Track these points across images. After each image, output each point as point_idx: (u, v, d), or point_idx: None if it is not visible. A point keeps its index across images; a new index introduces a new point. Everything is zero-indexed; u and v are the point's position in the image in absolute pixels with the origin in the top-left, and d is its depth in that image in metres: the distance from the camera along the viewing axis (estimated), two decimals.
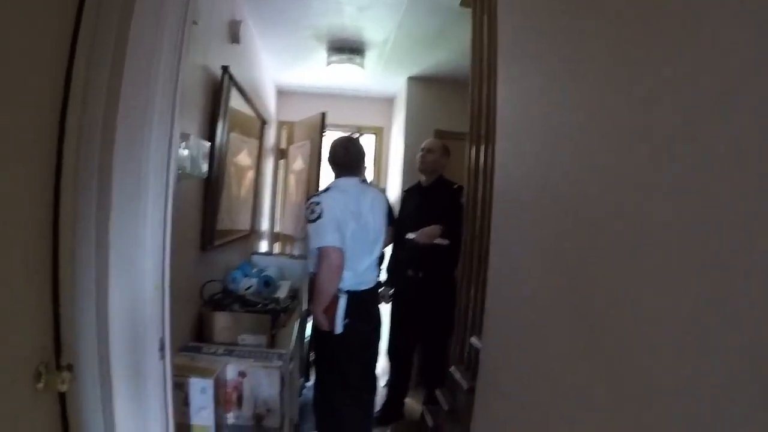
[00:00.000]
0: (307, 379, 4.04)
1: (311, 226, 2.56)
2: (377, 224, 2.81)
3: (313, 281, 2.73)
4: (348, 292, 2.65)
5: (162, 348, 1.50)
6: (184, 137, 1.89)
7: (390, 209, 3.07)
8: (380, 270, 3.09)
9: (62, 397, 1.37)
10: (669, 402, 0.66)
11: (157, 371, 1.50)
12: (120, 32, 1.40)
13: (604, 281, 0.87)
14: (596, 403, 0.86)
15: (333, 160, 2.85)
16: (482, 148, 1.97)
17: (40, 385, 1.21)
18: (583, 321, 0.93)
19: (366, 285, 2.77)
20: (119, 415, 1.49)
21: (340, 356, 2.72)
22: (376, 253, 2.85)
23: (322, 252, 2.53)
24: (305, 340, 3.75)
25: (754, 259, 0.54)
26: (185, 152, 1.91)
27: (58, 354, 1.33)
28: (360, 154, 2.88)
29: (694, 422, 0.62)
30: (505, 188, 1.51)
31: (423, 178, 3.70)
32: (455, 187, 3.44)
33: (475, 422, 1.60)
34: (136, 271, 1.45)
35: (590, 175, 0.95)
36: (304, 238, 2.87)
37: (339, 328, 2.62)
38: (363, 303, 2.73)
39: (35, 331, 1.25)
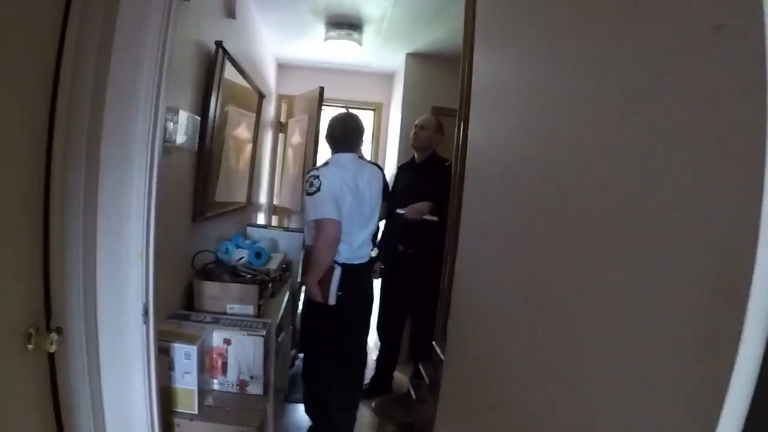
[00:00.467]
0: (300, 351, 4.13)
1: (309, 199, 2.60)
2: (373, 200, 2.85)
3: (308, 253, 2.79)
4: (342, 265, 2.71)
5: (146, 313, 1.57)
6: (173, 111, 1.94)
7: (386, 185, 3.11)
8: (374, 245, 3.16)
9: (51, 358, 1.44)
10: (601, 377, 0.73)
11: (141, 335, 1.58)
12: (108, 9, 1.45)
13: (551, 259, 0.93)
14: (540, 367, 0.93)
15: (331, 136, 2.88)
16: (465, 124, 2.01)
17: (31, 346, 1.29)
18: (531, 298, 1.00)
19: (360, 259, 2.81)
20: (105, 376, 1.58)
21: (331, 328, 2.78)
22: (371, 228, 2.90)
23: (319, 224, 2.58)
24: (298, 312, 3.83)
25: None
26: (175, 126, 1.96)
27: (48, 317, 1.41)
28: (357, 130, 2.89)
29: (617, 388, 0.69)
30: (473, 164, 1.56)
31: (416, 154, 3.73)
32: (447, 164, 3.47)
33: (444, 390, 1.67)
34: (122, 239, 1.52)
35: (546, 151, 1.01)
36: (302, 211, 2.91)
37: (332, 300, 2.68)
38: (356, 276, 2.79)
39: (26, 295, 1.33)
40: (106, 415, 1.61)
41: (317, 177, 2.60)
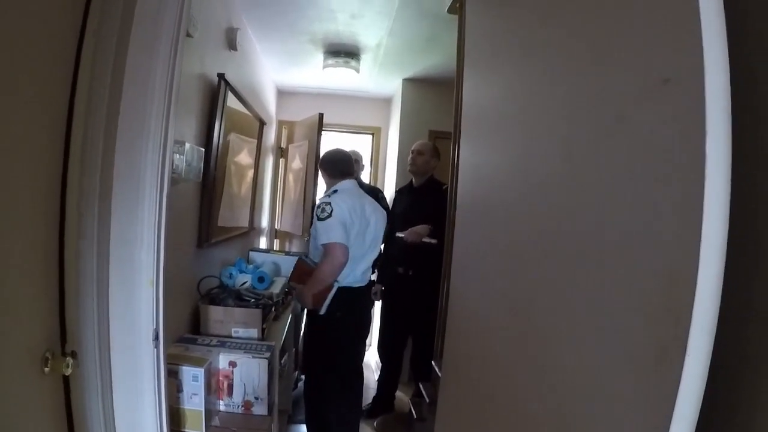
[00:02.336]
0: (302, 373, 4.18)
1: (321, 224, 2.74)
2: (378, 227, 3.03)
3: (302, 264, 2.94)
4: (342, 287, 2.84)
5: (156, 338, 1.65)
6: (179, 143, 2.04)
7: (387, 209, 3.30)
8: (374, 268, 3.31)
9: (66, 381, 1.51)
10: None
11: (151, 359, 1.65)
12: (118, 54, 1.55)
13: (531, 278, 1.02)
14: (521, 367, 1.01)
15: (329, 167, 3.09)
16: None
17: (47, 369, 1.36)
18: (516, 319, 1.08)
19: (360, 283, 2.96)
20: (117, 398, 1.65)
21: (330, 347, 2.92)
22: (375, 254, 3.07)
23: (327, 248, 2.72)
24: (300, 335, 3.89)
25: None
26: (181, 158, 2.06)
27: (63, 342, 1.48)
28: (349, 158, 3.15)
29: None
30: (464, 186, 1.65)
31: (414, 178, 3.83)
32: (444, 187, 3.57)
33: (440, 405, 1.74)
34: (133, 268, 1.60)
35: (522, 178, 1.10)
36: (311, 234, 3.02)
37: (323, 310, 2.81)
38: (354, 298, 2.93)
39: (42, 321, 1.40)
40: None
41: (329, 204, 2.75)
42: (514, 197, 1.15)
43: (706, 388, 0.57)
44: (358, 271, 2.92)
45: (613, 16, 0.77)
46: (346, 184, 2.98)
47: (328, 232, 2.71)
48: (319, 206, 2.79)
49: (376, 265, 3.29)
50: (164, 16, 1.64)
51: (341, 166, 3.06)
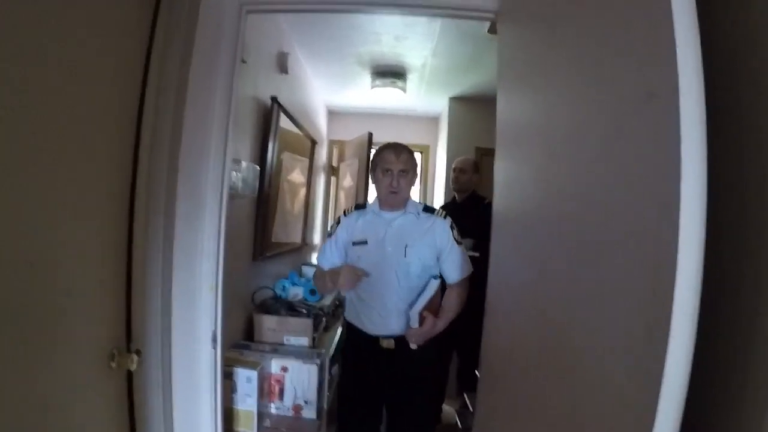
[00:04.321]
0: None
1: (461, 250, 2.25)
2: None
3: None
4: None
5: (214, 339, 1.79)
6: (237, 162, 2.20)
7: None
8: None
9: (129, 376, 1.67)
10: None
11: (209, 360, 1.80)
12: (182, 74, 1.72)
13: (551, 283, 1.10)
14: (547, 358, 1.09)
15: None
16: None
17: (114, 364, 1.52)
18: (539, 316, 1.16)
19: None
20: (176, 394, 1.80)
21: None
22: None
23: (467, 280, 2.25)
24: None
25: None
26: (238, 175, 2.22)
27: (128, 341, 1.64)
28: None
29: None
30: (498, 199, 1.74)
31: (457, 195, 3.90)
32: (486, 202, 3.63)
33: (478, 408, 1.82)
34: (195, 275, 1.76)
35: (546, 193, 1.18)
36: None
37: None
38: None
39: (112, 321, 1.56)
40: (175, 429, 1.81)
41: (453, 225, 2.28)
42: (538, 205, 1.24)
43: (697, 361, 0.65)
44: None
45: (611, 40, 0.87)
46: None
47: (468, 261, 2.26)
48: (452, 225, 2.26)
49: None
50: (221, 46, 1.81)
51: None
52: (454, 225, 2.25)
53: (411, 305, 2.14)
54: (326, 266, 2.29)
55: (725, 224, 0.76)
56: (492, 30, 2.70)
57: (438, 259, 2.22)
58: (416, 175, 2.34)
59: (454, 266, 2.21)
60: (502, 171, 1.69)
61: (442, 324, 2.18)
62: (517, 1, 1.56)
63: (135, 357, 1.59)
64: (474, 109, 4.74)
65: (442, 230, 2.22)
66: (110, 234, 1.53)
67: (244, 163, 2.30)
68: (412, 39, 3.31)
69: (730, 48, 0.83)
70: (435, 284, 2.16)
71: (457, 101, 4.80)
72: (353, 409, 2.24)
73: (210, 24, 1.78)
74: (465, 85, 4.34)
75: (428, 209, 2.32)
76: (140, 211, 1.63)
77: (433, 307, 2.17)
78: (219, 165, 1.76)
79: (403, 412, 2.24)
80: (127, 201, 1.61)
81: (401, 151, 2.24)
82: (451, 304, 2.22)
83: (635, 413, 0.71)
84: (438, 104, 5.10)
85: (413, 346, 2.15)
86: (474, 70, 3.85)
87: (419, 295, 2.15)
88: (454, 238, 2.23)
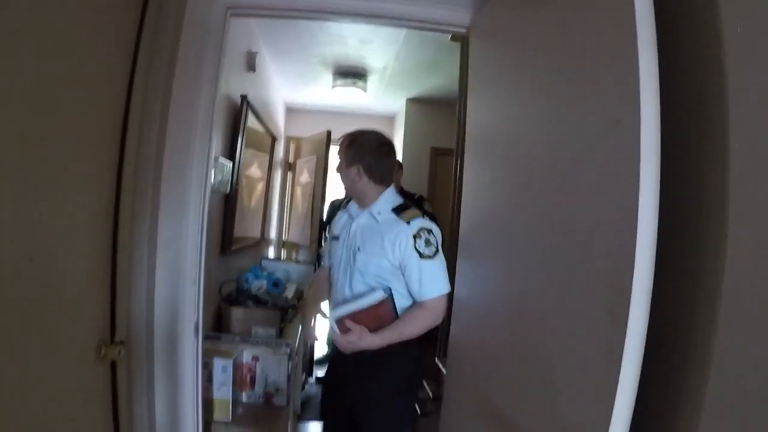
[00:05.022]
0: (309, 375, 4.41)
1: (427, 265, 1.87)
2: None
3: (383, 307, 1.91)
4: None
5: (196, 329, 1.87)
6: (215, 159, 2.28)
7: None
8: None
9: (113, 368, 1.72)
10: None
11: (192, 349, 1.88)
12: (169, 69, 1.80)
13: (520, 278, 1.25)
14: (517, 344, 1.24)
15: (376, 164, 2.02)
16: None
17: (101, 356, 1.58)
18: (510, 306, 1.31)
19: None
20: (158, 383, 1.87)
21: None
22: None
23: (435, 302, 1.89)
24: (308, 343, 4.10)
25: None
26: (215, 172, 2.30)
27: (113, 333, 1.70)
28: (393, 154, 2.18)
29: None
30: (467, 197, 1.88)
31: None
32: (416, 197, 3.76)
33: (445, 398, 1.96)
34: (178, 269, 1.83)
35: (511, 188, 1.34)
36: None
37: None
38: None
39: (97, 314, 1.62)
40: (157, 419, 1.88)
41: (431, 231, 1.91)
42: (511, 206, 1.39)
43: (653, 341, 0.81)
44: None
45: (580, 71, 1.03)
46: (392, 195, 2.06)
47: (438, 279, 1.89)
48: (418, 234, 1.87)
49: None
50: (207, 47, 1.89)
51: (389, 165, 2.09)
52: (424, 233, 1.87)
53: None
54: (326, 262, 2.14)
55: (675, 227, 0.92)
56: (455, 37, 2.86)
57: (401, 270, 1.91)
58: (348, 166, 2.01)
59: (413, 282, 1.89)
60: (471, 177, 1.83)
61: (377, 340, 1.85)
62: (489, 19, 1.71)
63: (121, 348, 1.66)
64: (430, 110, 4.91)
65: (403, 238, 1.87)
66: (97, 230, 1.59)
67: (220, 160, 2.38)
68: (376, 42, 3.44)
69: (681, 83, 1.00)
70: (377, 295, 1.87)
71: (415, 102, 4.97)
72: (323, 409, 2.23)
73: (196, 25, 1.85)
74: (423, 87, 4.50)
75: (400, 209, 1.97)
76: (126, 208, 1.69)
77: (380, 321, 1.89)
78: (203, 163, 1.83)
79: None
80: (113, 198, 1.67)
81: (340, 143, 2.08)
82: (399, 323, 1.90)
83: (602, 380, 0.86)
84: (396, 104, 5.24)
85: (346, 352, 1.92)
86: (434, 73, 4.01)
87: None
88: (417, 249, 1.86)
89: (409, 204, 2.05)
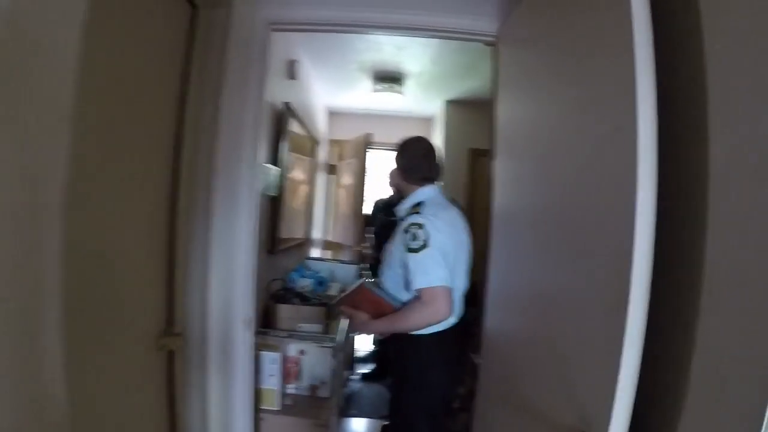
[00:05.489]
0: (353, 372, 4.54)
1: (411, 257, 1.93)
2: (468, 251, 2.17)
3: (365, 291, 2.06)
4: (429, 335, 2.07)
5: (248, 323, 2.02)
6: (263, 165, 2.43)
7: None
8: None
9: (170, 357, 1.88)
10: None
11: (244, 341, 2.03)
12: (217, 85, 1.95)
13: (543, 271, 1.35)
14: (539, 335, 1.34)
15: (409, 163, 2.21)
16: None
17: (160, 346, 1.75)
18: (537, 296, 1.41)
19: (454, 319, 2.10)
20: (212, 372, 2.02)
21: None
22: (464, 286, 2.16)
23: (426, 294, 1.92)
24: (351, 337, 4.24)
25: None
26: (264, 176, 2.45)
27: (171, 324, 1.87)
28: (432, 154, 2.25)
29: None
30: (499, 201, 1.97)
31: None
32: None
33: (481, 380, 2.06)
34: (230, 267, 1.99)
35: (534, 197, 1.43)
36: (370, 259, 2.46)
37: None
38: (442, 343, 2.10)
39: (156, 307, 1.80)
40: (210, 405, 2.05)
41: (422, 226, 1.94)
42: (533, 202, 1.49)
43: (653, 325, 0.90)
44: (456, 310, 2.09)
45: (592, 75, 1.12)
46: (431, 192, 2.16)
47: (426, 271, 1.91)
48: (406, 229, 1.97)
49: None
50: (251, 61, 2.04)
51: (425, 167, 2.19)
52: (413, 228, 1.94)
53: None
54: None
55: (669, 222, 1.00)
56: (488, 42, 2.94)
57: None
58: (394, 171, 2.28)
59: (407, 274, 1.97)
60: (500, 172, 1.93)
61: (379, 325, 2.05)
62: (513, 29, 1.80)
63: (178, 339, 1.82)
64: (468, 112, 4.97)
65: (399, 234, 2.02)
66: (156, 231, 1.76)
67: (267, 166, 2.53)
68: (412, 48, 3.54)
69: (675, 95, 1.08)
70: (357, 282, 2.05)
71: (453, 104, 5.04)
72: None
73: (241, 41, 2.01)
74: (460, 89, 4.58)
75: (414, 207, 2.08)
76: (182, 211, 1.85)
77: (378, 308, 2.04)
78: (251, 168, 1.99)
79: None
80: (171, 203, 1.83)
81: None
82: (397, 312, 2.01)
83: (607, 355, 0.95)
84: (434, 106, 5.34)
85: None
86: (470, 75, 4.08)
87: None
88: (405, 244, 1.95)
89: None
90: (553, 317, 1.27)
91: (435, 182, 2.19)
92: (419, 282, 1.91)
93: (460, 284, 2.09)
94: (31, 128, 0.82)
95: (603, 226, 1.02)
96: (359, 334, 2.10)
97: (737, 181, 0.83)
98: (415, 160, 2.18)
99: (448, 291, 1.91)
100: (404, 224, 1.99)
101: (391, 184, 2.41)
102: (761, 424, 0.72)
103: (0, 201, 0.77)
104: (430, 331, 2.03)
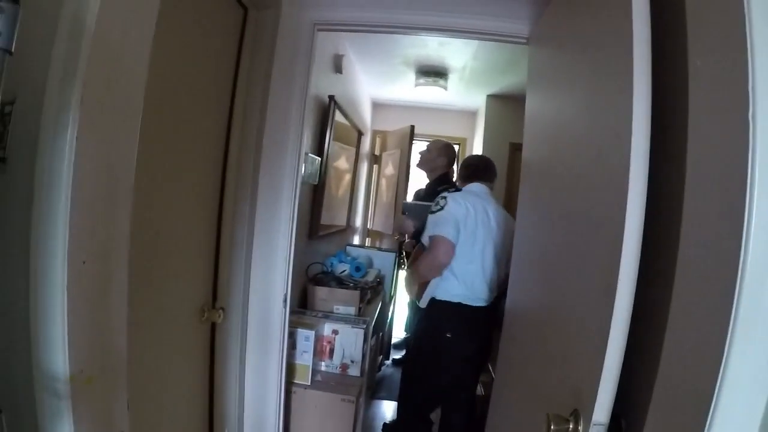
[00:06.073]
0: (386, 358, 4.70)
1: (431, 217, 2.54)
2: (506, 241, 2.51)
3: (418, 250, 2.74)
4: (457, 304, 2.53)
5: (285, 301, 2.19)
6: (305, 155, 2.59)
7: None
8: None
9: (213, 329, 2.08)
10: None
11: (280, 318, 2.21)
12: (263, 91, 2.13)
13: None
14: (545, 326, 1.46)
15: (465, 168, 2.88)
16: None
17: (204, 318, 1.94)
18: (548, 297, 1.52)
19: (479, 301, 2.55)
20: (250, 344, 2.21)
21: (422, 343, 2.73)
22: (498, 273, 2.59)
23: (432, 241, 2.48)
24: (387, 323, 4.39)
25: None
26: (305, 166, 2.62)
27: (214, 299, 2.06)
28: (491, 165, 2.88)
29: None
30: (524, 191, 2.09)
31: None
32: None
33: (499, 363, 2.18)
34: (271, 249, 2.16)
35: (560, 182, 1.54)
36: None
37: (423, 303, 2.63)
38: (470, 319, 2.55)
39: (203, 284, 1.98)
40: (247, 375, 2.24)
41: (445, 198, 2.54)
42: (545, 194, 1.61)
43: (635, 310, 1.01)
44: (473, 284, 2.52)
45: (600, 90, 1.23)
46: (474, 187, 2.70)
47: (437, 225, 2.48)
48: (436, 201, 2.57)
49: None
50: (297, 59, 2.19)
51: (473, 169, 2.80)
52: (439, 199, 2.56)
53: None
54: None
55: (657, 219, 1.10)
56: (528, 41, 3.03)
57: None
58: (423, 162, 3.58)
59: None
60: (527, 161, 2.05)
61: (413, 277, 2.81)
62: (542, 32, 1.91)
63: (222, 312, 2.00)
64: (509, 107, 5.02)
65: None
66: (206, 212, 1.94)
67: (310, 156, 2.69)
68: (454, 44, 3.64)
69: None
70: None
71: (494, 98, 5.10)
72: None
73: (288, 40, 2.16)
74: (501, 84, 4.64)
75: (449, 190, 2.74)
76: (229, 195, 2.03)
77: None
78: (294, 159, 2.15)
79: None
80: (219, 187, 2.01)
81: None
82: (416, 264, 2.67)
83: (597, 337, 1.07)
84: (476, 100, 5.40)
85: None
86: (510, 71, 4.15)
87: None
88: (431, 209, 2.58)
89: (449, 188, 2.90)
90: (556, 303, 1.40)
91: (482, 182, 2.73)
92: (428, 232, 2.52)
93: (482, 266, 2.52)
94: (111, 125, 0.99)
95: (600, 226, 1.14)
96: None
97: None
98: (466, 165, 2.88)
99: (449, 242, 2.44)
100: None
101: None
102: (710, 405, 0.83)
103: (89, 183, 0.94)
104: (445, 298, 2.54)
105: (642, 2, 1.05)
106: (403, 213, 3.40)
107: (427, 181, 3.78)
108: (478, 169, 2.80)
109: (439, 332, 2.56)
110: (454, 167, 3.87)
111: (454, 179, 3.57)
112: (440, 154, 3.57)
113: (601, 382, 1.03)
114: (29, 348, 0.91)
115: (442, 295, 2.56)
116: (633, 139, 1.00)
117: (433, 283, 2.58)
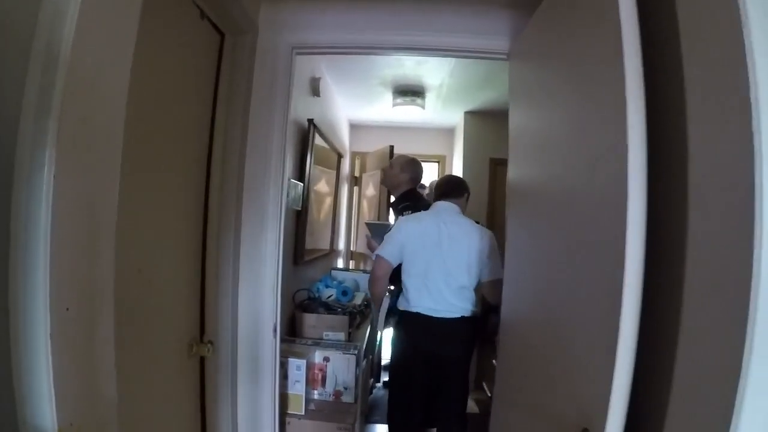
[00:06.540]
0: (377, 380, 4.63)
1: (385, 237, 2.77)
2: (461, 255, 2.67)
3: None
4: (408, 312, 2.71)
5: (275, 331, 2.13)
6: (288, 181, 2.55)
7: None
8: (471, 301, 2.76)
9: (201, 363, 2.01)
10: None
11: (271, 348, 2.14)
12: (243, 116, 2.09)
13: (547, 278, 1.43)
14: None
15: (435, 188, 3.04)
16: None
17: (192, 352, 1.87)
18: (547, 311, 1.49)
19: (442, 313, 2.66)
20: (240, 377, 2.14)
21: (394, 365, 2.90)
22: (457, 284, 2.68)
23: (374, 259, 2.77)
24: (376, 346, 4.33)
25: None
26: (289, 192, 2.57)
27: (202, 333, 1.99)
28: (456, 182, 3.02)
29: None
30: (511, 203, 2.07)
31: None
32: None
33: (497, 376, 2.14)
34: (258, 277, 2.10)
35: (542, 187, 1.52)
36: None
37: (378, 327, 3.03)
38: (431, 326, 2.67)
39: (189, 316, 1.92)
40: (239, 409, 2.16)
41: (399, 219, 2.89)
42: (539, 207, 1.59)
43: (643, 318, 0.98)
44: (434, 294, 2.66)
45: (590, 101, 1.21)
46: (440, 205, 2.83)
47: (381, 245, 2.73)
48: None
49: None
50: (277, 83, 2.16)
51: (442, 189, 2.92)
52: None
53: None
54: None
55: (659, 226, 1.08)
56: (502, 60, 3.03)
57: None
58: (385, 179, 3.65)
59: None
60: (514, 177, 2.03)
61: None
62: (524, 47, 1.90)
63: (210, 346, 1.93)
64: (487, 122, 5.04)
65: None
66: (189, 244, 1.88)
67: (292, 181, 2.65)
68: (431, 62, 3.65)
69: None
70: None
71: (472, 115, 5.12)
72: None
73: (267, 66, 2.14)
74: (479, 100, 4.67)
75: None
76: (212, 225, 1.98)
77: None
78: (278, 184, 2.11)
79: None
80: (202, 218, 1.96)
81: None
82: None
83: (605, 354, 1.03)
84: (454, 117, 5.42)
85: None
86: (488, 87, 4.17)
87: None
88: None
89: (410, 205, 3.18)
90: (557, 320, 1.36)
91: (450, 199, 2.85)
92: (377, 251, 2.75)
93: (426, 280, 2.66)
94: (91, 162, 0.94)
95: (602, 232, 1.11)
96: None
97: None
98: (437, 185, 3.04)
99: (384, 261, 2.68)
100: None
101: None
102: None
103: (69, 224, 0.89)
104: (402, 308, 2.75)
105: (630, 12, 1.04)
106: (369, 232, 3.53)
107: None
108: (446, 189, 2.94)
109: (399, 338, 2.82)
110: (428, 183, 4.03)
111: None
112: (403, 170, 3.48)
113: (611, 400, 1.00)
114: (14, 402, 0.85)
115: (402, 305, 2.78)
116: (629, 149, 0.99)
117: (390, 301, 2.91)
